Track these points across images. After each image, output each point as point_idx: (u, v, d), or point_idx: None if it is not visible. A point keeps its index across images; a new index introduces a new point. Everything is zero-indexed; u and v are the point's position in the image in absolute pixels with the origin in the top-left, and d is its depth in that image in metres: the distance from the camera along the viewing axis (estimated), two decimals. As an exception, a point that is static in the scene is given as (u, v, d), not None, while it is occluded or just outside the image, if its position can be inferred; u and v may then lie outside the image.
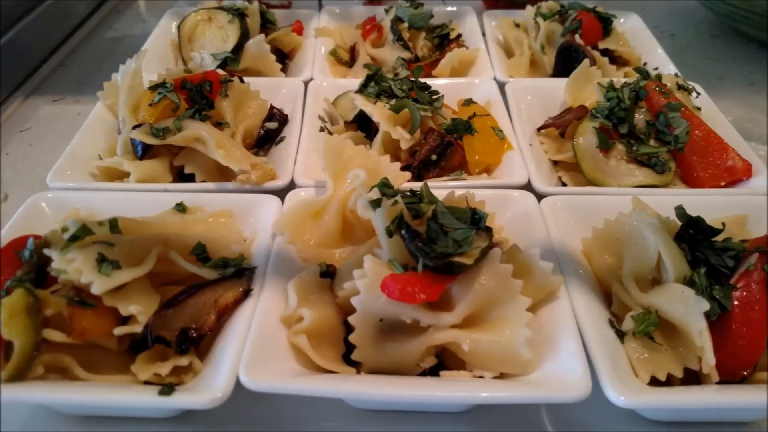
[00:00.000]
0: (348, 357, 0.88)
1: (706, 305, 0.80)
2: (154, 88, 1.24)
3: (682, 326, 0.83)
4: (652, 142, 1.22)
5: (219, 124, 1.26)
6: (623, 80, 1.33)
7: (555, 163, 1.31)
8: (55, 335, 0.83)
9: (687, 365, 0.84)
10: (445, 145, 1.22)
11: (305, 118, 1.35)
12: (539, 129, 1.36)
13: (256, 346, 0.83)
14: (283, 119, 1.37)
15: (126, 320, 0.86)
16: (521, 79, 1.55)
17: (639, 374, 0.83)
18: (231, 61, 1.51)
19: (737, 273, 0.86)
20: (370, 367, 0.86)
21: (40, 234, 0.92)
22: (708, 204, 1.05)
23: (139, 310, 0.84)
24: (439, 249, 0.82)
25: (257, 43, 1.56)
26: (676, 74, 1.39)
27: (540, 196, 1.11)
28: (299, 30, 1.78)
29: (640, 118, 1.23)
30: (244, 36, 1.56)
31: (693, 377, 0.85)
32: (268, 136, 1.34)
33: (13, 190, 1.39)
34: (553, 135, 1.35)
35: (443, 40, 1.70)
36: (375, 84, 1.31)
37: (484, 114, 1.34)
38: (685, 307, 0.82)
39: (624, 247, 0.95)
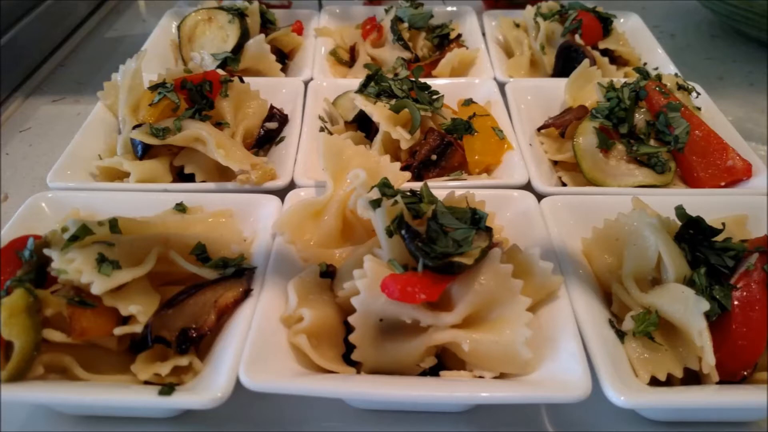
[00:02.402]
0: (348, 357, 0.88)
1: (706, 305, 0.80)
2: (154, 88, 1.24)
3: (682, 326, 0.83)
4: (652, 142, 1.22)
5: (219, 124, 1.26)
6: (623, 80, 1.33)
7: (555, 163, 1.31)
8: (55, 335, 0.83)
9: (687, 365, 0.84)
10: (445, 145, 1.22)
11: (305, 118, 1.35)
12: (539, 129, 1.36)
13: (256, 346, 0.83)
14: (283, 119, 1.37)
15: (126, 320, 0.86)
16: (521, 79, 1.55)
17: (639, 374, 0.83)
18: (231, 61, 1.51)
19: (737, 273, 0.86)
20: (370, 367, 0.86)
21: (40, 234, 0.93)
22: (708, 204, 1.05)
23: (139, 310, 0.84)
24: (439, 249, 0.82)
25: (257, 43, 1.56)
26: (676, 74, 1.39)
27: (540, 196, 1.11)
28: (299, 30, 1.78)
29: (640, 118, 1.23)
30: (244, 36, 1.56)
31: (693, 377, 0.85)
32: (268, 136, 1.34)
33: (13, 190, 1.39)
34: (553, 135, 1.35)
35: (443, 40, 1.70)
36: (375, 84, 1.31)
37: (484, 114, 1.34)
38: (685, 307, 0.82)
39: (624, 247, 0.95)
